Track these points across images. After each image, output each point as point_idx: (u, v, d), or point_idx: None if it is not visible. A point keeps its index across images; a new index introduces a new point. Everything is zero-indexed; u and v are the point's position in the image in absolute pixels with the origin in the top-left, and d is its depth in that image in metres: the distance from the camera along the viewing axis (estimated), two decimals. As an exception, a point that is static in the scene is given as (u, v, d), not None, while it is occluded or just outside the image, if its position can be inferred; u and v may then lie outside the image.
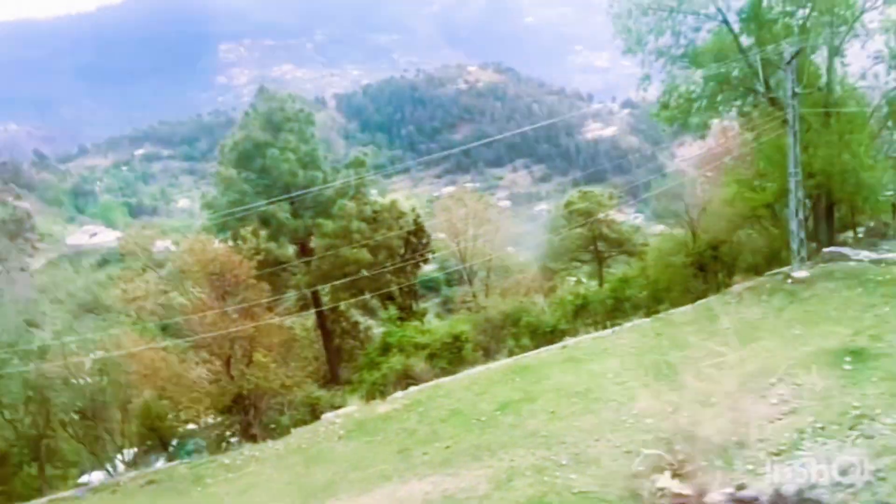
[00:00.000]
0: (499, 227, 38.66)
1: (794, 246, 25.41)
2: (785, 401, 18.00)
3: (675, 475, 15.45)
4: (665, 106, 29.84)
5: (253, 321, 23.88)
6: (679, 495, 14.86)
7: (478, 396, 22.22)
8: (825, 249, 27.08)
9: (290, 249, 33.88)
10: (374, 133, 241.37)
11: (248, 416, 24.47)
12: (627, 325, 26.46)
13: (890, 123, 29.88)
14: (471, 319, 31.70)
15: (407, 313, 37.74)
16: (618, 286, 30.75)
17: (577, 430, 18.63)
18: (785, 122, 28.61)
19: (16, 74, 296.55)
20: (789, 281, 25.44)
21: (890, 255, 25.02)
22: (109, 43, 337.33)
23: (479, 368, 24.80)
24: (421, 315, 39.37)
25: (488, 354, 27.70)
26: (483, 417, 20.46)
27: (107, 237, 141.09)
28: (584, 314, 29.83)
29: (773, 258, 29.65)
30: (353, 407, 23.57)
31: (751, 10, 27.44)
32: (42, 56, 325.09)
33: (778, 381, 19.00)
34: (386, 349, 28.17)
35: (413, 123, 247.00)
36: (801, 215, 25.38)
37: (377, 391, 24.17)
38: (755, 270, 28.59)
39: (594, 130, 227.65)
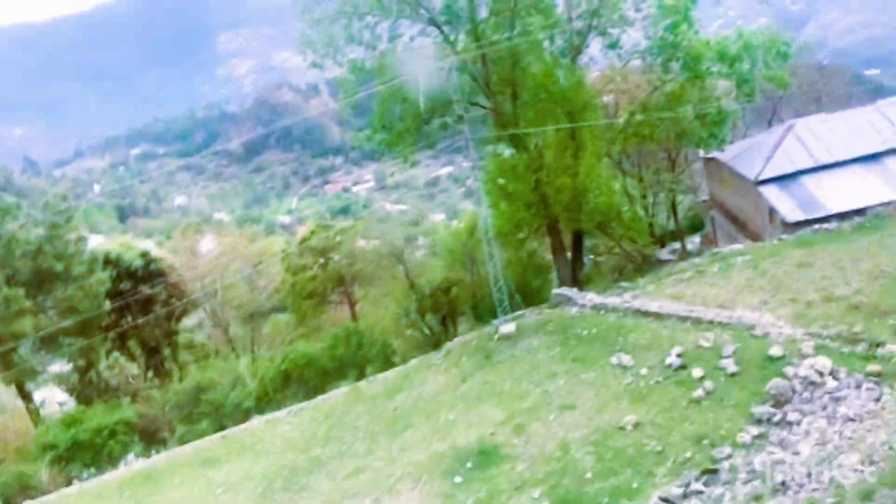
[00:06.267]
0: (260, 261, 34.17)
1: (496, 295, 21.88)
2: (356, 539, 14.54)
3: None
4: (380, 127, 25.95)
5: None
6: None
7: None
8: (555, 291, 23.65)
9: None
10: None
11: None
12: (318, 399, 22.77)
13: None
14: (154, 398, 27.37)
15: (161, 372, 33.59)
16: (337, 342, 26.47)
17: None
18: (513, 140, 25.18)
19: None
20: (497, 336, 22.00)
21: (611, 301, 21.62)
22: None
23: (113, 474, 20.98)
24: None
25: (157, 445, 23.38)
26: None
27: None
28: (298, 380, 25.69)
29: (533, 297, 26.06)
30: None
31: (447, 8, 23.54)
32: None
33: (374, 502, 15.62)
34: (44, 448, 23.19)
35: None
36: (496, 260, 21.76)
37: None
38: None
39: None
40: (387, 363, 25.38)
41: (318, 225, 33.37)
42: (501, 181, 24.09)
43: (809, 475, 6.14)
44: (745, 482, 8.03)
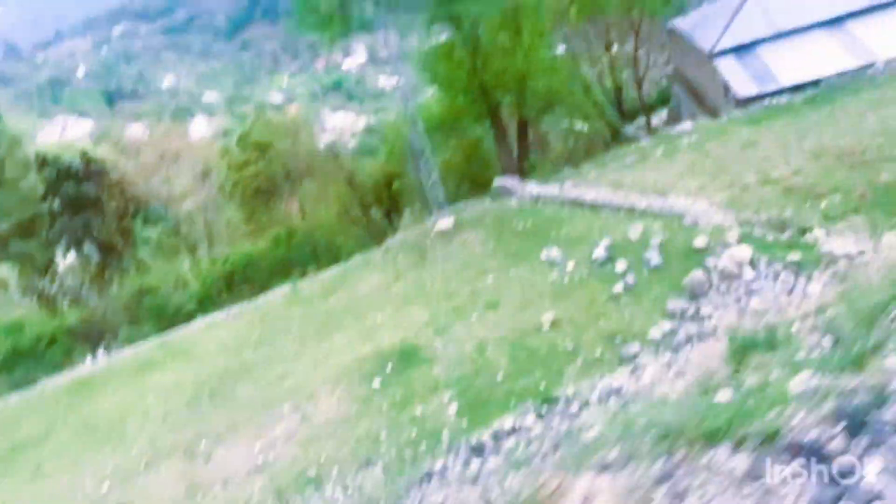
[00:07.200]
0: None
1: (429, 191, 21.11)
2: (269, 448, 14.65)
3: None
4: (306, 9, 23.84)
5: None
6: None
7: (-1, 436, 18.68)
8: (497, 181, 22.82)
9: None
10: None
11: None
12: (259, 300, 22.54)
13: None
14: (99, 304, 27.23)
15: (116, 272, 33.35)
16: (282, 239, 25.91)
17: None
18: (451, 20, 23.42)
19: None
20: (433, 233, 21.48)
21: (550, 191, 20.92)
22: None
23: (55, 381, 21.11)
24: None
25: (106, 348, 23.57)
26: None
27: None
28: (243, 280, 25.45)
29: (479, 187, 25.34)
30: None
31: None
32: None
33: (294, 409, 15.69)
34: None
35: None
36: (427, 152, 20.79)
37: None
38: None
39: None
40: (335, 261, 25.02)
41: (258, 120, 32.00)
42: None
43: (556, 447, 5.75)
44: (562, 420, 7.68)
